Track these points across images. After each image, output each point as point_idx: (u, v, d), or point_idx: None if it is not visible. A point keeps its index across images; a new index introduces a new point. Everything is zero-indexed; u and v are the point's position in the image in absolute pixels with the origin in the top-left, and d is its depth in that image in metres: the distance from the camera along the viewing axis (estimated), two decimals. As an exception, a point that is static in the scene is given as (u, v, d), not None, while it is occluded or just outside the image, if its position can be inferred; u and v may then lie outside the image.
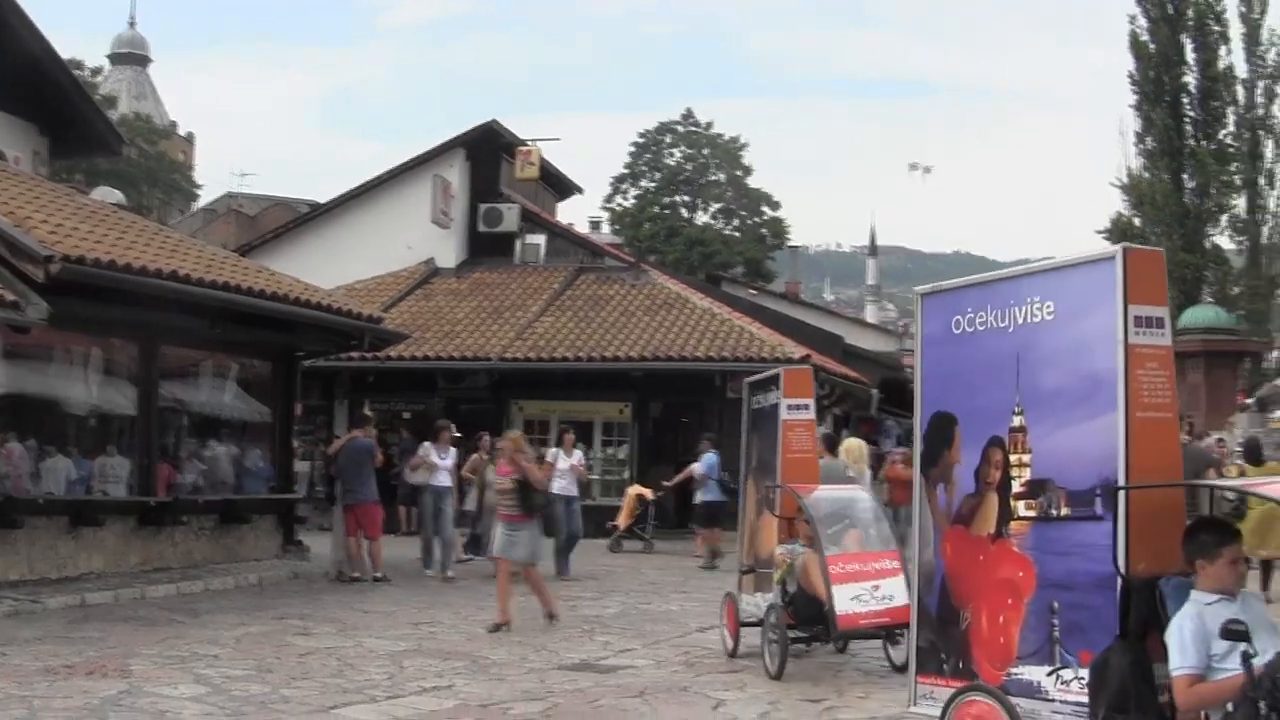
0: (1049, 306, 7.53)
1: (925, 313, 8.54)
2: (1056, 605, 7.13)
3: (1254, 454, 18.92)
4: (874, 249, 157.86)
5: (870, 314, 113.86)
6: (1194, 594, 6.38)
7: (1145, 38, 50.27)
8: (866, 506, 13.17)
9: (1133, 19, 50.62)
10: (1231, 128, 50.40)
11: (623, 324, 30.16)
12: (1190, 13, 50.31)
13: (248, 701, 10.34)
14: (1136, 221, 50.14)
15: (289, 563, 20.94)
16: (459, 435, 22.09)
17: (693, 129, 70.84)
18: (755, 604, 12.98)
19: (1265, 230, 49.80)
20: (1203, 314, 40.74)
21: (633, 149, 71.22)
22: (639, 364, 28.22)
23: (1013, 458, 7.59)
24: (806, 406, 13.49)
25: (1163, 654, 6.33)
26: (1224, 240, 50.50)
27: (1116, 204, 50.98)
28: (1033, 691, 7.19)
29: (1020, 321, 7.67)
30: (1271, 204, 49.81)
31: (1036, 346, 7.56)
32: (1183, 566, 6.55)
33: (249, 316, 19.35)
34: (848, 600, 11.53)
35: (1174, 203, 48.88)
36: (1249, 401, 38.25)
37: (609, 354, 28.43)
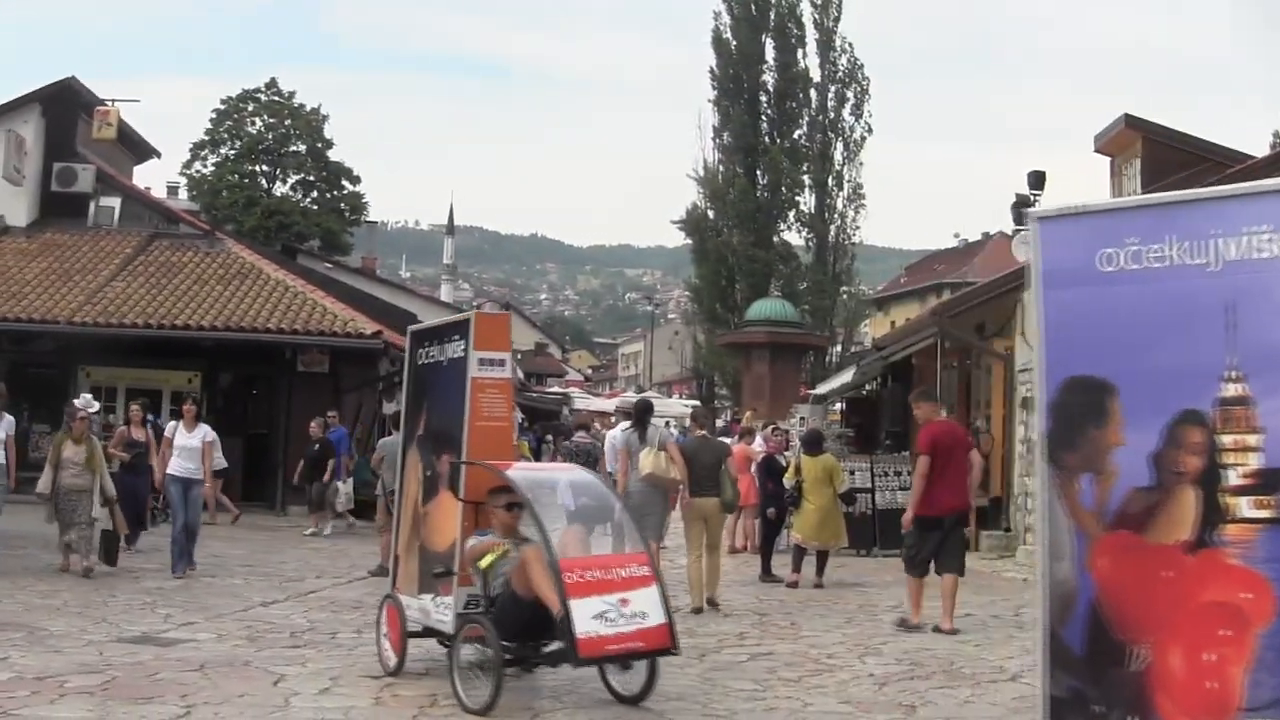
0: None
1: (1048, 241, 6.55)
2: None
3: (812, 444, 19.29)
4: (452, 228, 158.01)
5: (445, 293, 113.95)
6: None
7: (728, 35, 51.66)
8: (600, 493, 10.97)
9: (717, 16, 51.93)
10: (805, 129, 52.21)
11: (195, 292, 28.98)
12: (772, 15, 51.88)
13: None
14: (711, 214, 51.36)
15: None
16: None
17: (275, 98, 68.92)
18: (427, 609, 10.54)
19: (833, 229, 51.75)
20: (769, 307, 41.96)
21: (214, 115, 68.77)
22: (210, 333, 27.19)
23: (1225, 438, 5.78)
24: (503, 362, 10.68)
25: None
26: (794, 237, 52.31)
27: (694, 196, 52.06)
28: None
29: (1234, 257, 5.86)
30: (839, 204, 51.78)
31: (1265, 291, 5.76)
32: None
33: None
34: (589, 619, 8.99)
35: (747, 198, 50.35)
36: (811, 393, 39.65)
37: (180, 322, 27.28)
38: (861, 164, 52.14)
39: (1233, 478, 5.73)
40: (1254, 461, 5.69)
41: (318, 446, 24.63)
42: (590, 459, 19.16)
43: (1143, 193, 27.68)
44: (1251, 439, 5.69)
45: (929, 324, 28.01)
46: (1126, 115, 28.88)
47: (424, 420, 11.33)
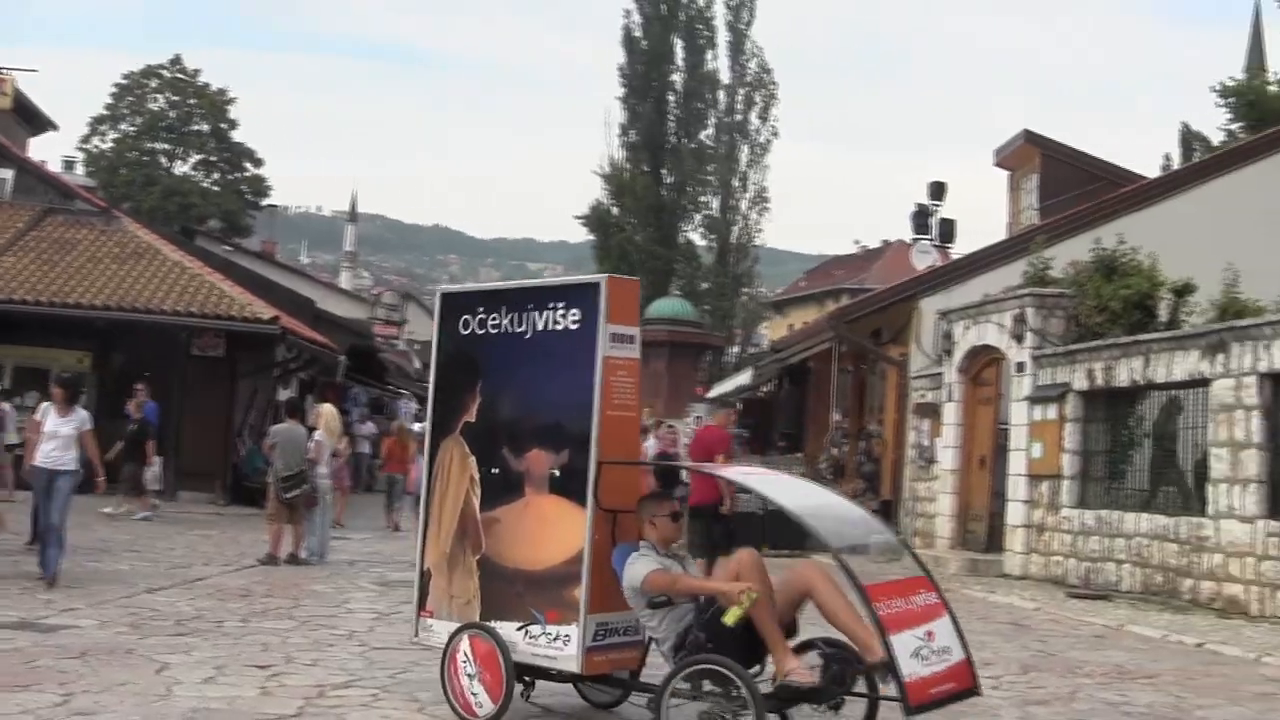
0: None
1: None
2: None
3: None
4: (354, 215, 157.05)
5: (345, 280, 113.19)
6: None
7: (638, 33, 51.68)
8: (846, 504, 9.35)
9: (628, 14, 51.98)
10: (712, 130, 52.41)
11: (89, 270, 28.61)
12: (683, 15, 52.03)
13: None
14: (615, 211, 51.43)
15: None
16: None
17: (180, 76, 68.18)
18: (513, 640, 8.61)
19: (735, 231, 51.99)
20: (669, 306, 42.15)
21: (115, 90, 67.90)
22: (103, 313, 26.86)
23: None
24: (634, 339, 8.84)
25: None
26: (697, 237, 52.49)
27: (598, 192, 52.13)
28: None
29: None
30: (743, 206, 52.02)
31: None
32: None
33: None
34: (908, 658, 7.38)
35: (652, 196, 50.43)
36: (707, 393, 39.85)
37: (72, 300, 26.92)
38: (766, 167, 52.57)
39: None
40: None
41: (135, 426, 23.60)
42: None
43: (1039, 207, 28.18)
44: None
45: (826, 328, 28.37)
46: (1026, 131, 29.36)
47: (479, 406, 9.20)
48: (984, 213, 45.35)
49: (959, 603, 17.13)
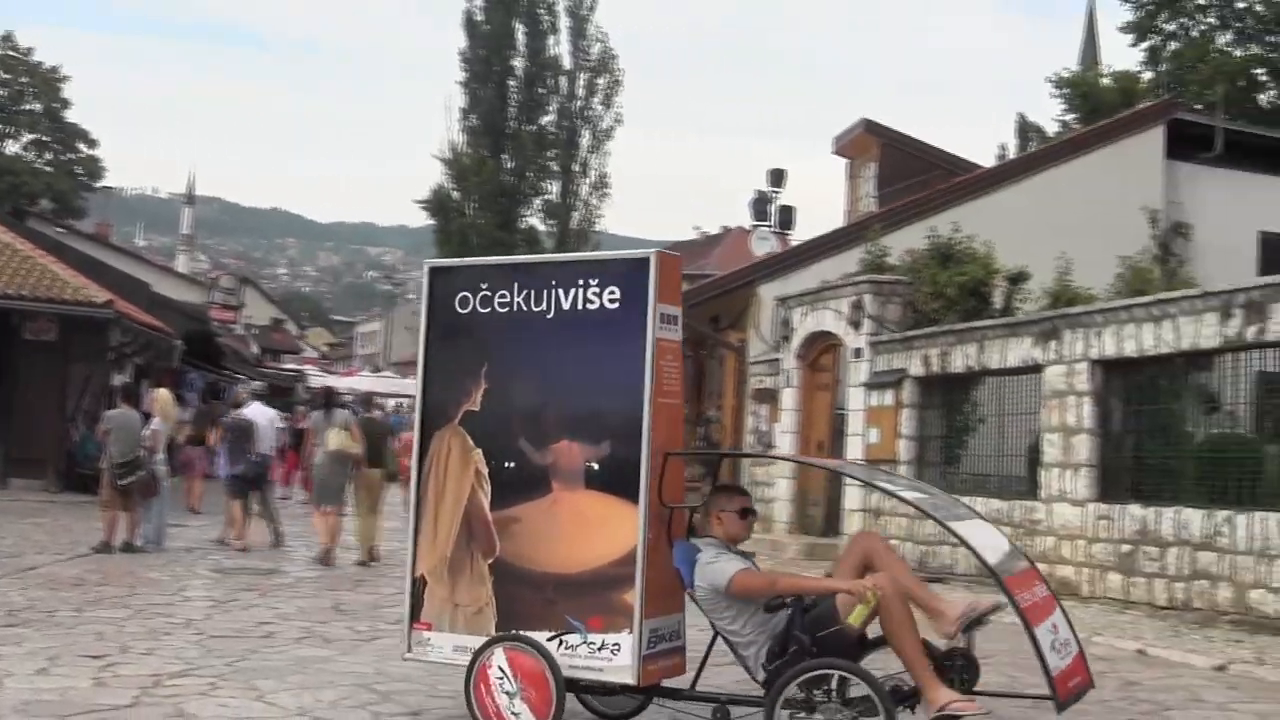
0: None
1: None
2: None
3: None
4: (191, 198, 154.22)
5: (182, 263, 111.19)
6: None
7: (480, 17, 51.29)
8: (935, 491, 9.25)
9: (470, -2, 51.55)
10: (554, 115, 52.22)
11: (-87, 250, 27.73)
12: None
13: None
14: (456, 195, 51.06)
15: None
16: None
17: (11, 53, 66.42)
18: (581, 651, 7.84)
19: (576, 216, 51.89)
20: (512, 291, 41.96)
21: (-59, 65, 66.01)
22: (-71, 296, 26.04)
23: None
24: (677, 320, 8.16)
25: None
26: (537, 222, 52.30)
27: (439, 176, 51.69)
28: None
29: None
30: (584, 191, 51.93)
31: None
32: None
33: None
34: (1049, 651, 7.05)
35: (492, 181, 50.13)
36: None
37: (-104, 281, 26.09)
38: (608, 153, 52.48)
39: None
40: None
41: None
42: (246, 434, 19.74)
43: (877, 195, 28.50)
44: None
45: (666, 314, 28.26)
46: (865, 120, 29.67)
47: (485, 393, 8.38)
48: (823, 200, 45.86)
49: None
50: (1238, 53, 46.07)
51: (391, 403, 55.58)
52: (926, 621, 7.41)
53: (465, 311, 8.47)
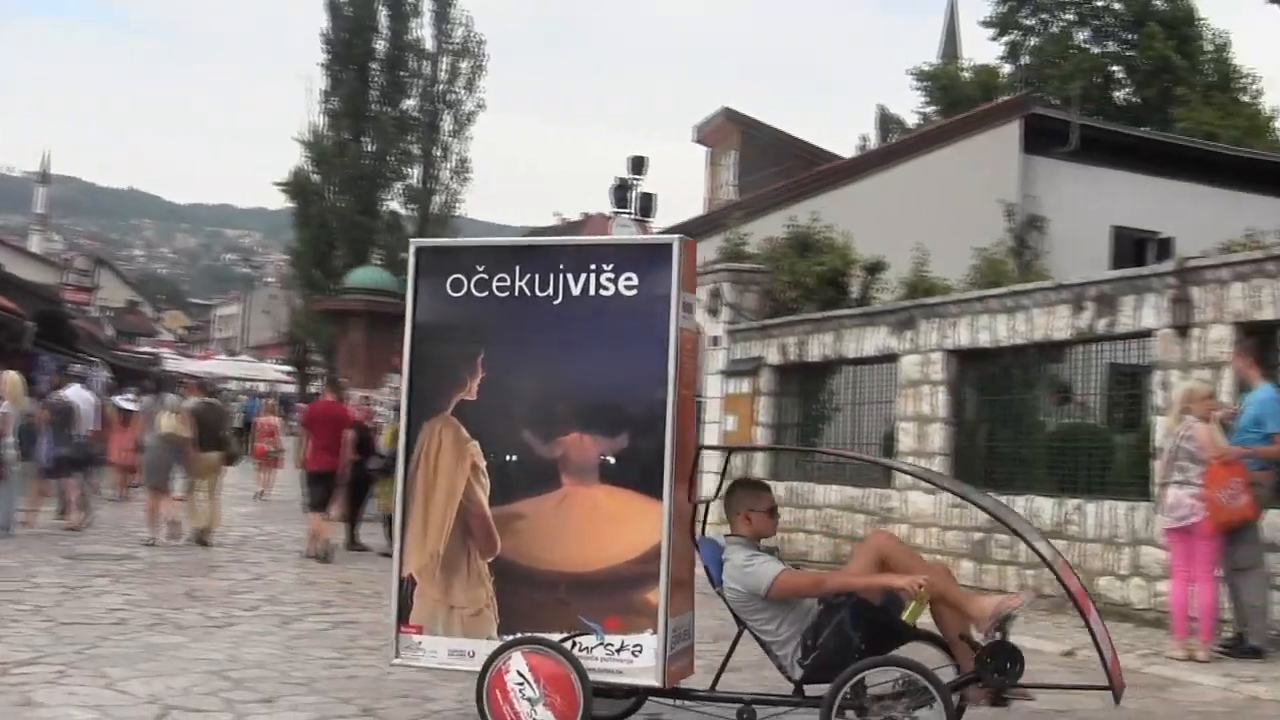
0: None
1: None
2: None
3: None
4: (46, 177, 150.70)
5: (35, 244, 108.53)
6: None
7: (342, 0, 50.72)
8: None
9: (331, -22, 50.91)
10: (415, 99, 51.76)
11: None
12: (385, -19, 51.27)
13: None
14: (316, 178, 50.49)
15: None
16: None
17: None
18: (598, 653, 7.58)
19: (437, 201, 51.51)
20: (369, 275, 41.49)
21: None
22: None
23: None
24: (693, 308, 8.16)
25: None
26: (398, 206, 51.83)
27: (299, 159, 51.03)
28: None
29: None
30: (445, 176, 51.54)
31: None
32: None
33: None
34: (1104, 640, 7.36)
35: (353, 164, 49.61)
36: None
37: None
38: (470, 138, 52.23)
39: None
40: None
41: None
42: (68, 417, 19.76)
43: (737, 183, 28.52)
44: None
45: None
46: (726, 108, 29.73)
47: (482, 382, 7.99)
48: (683, 188, 45.85)
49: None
50: (1095, 50, 46.86)
51: (247, 386, 54.87)
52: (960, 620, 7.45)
53: (459, 295, 8.04)
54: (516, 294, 7.89)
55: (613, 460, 7.61)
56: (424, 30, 52.00)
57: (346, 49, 50.63)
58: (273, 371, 62.88)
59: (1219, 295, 13.15)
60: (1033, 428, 15.90)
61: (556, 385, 7.83)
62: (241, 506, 18.50)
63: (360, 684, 9.37)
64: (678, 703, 7.80)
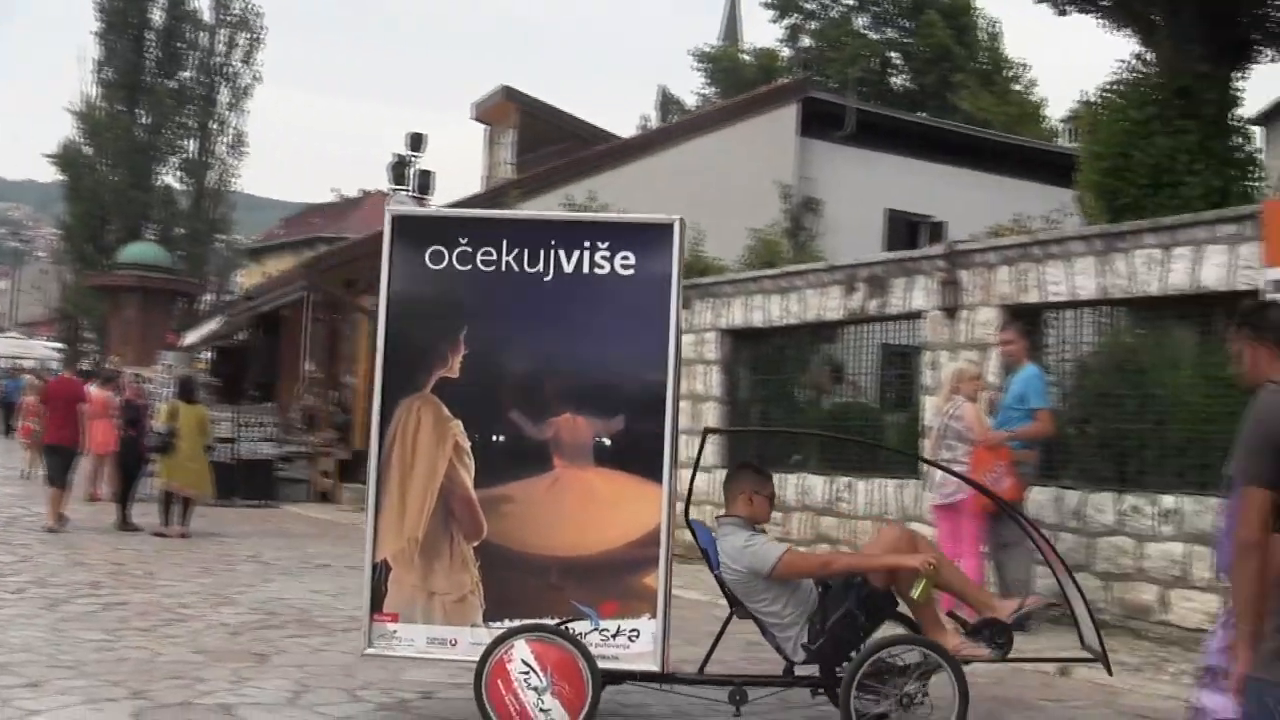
0: None
1: None
2: None
3: (187, 392, 19.46)
4: None
5: None
6: None
7: (118, -31, 49.41)
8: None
9: (105, -54, 49.56)
10: (192, 71, 50.67)
11: None
12: (157, -49, 50.12)
13: None
14: (88, 150, 49.18)
15: None
16: None
17: None
18: (592, 639, 7.40)
19: (211, 175, 50.53)
20: (141, 250, 40.62)
21: None
22: None
23: None
24: (681, 289, 7.96)
25: None
26: (173, 180, 50.71)
27: (70, 130, 49.64)
28: None
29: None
30: (221, 150, 50.61)
31: None
32: None
33: None
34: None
35: (127, 137, 48.43)
36: (180, 342, 38.51)
37: None
38: (247, 112, 51.30)
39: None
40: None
41: None
42: None
43: (515, 161, 28.38)
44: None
45: (298, 277, 27.98)
46: (505, 87, 29.53)
47: (465, 359, 7.67)
48: (462, 166, 45.55)
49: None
50: (875, 36, 47.64)
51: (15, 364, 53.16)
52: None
53: (439, 267, 7.72)
54: (503, 269, 7.66)
55: (608, 442, 7.49)
56: (201, 1, 50.89)
57: (121, 18, 49.38)
58: (42, 349, 60.95)
59: (987, 278, 13.42)
60: (805, 407, 16.07)
61: (547, 364, 7.64)
62: (8, 486, 17.86)
63: (130, 666, 9.08)
64: (664, 686, 7.65)
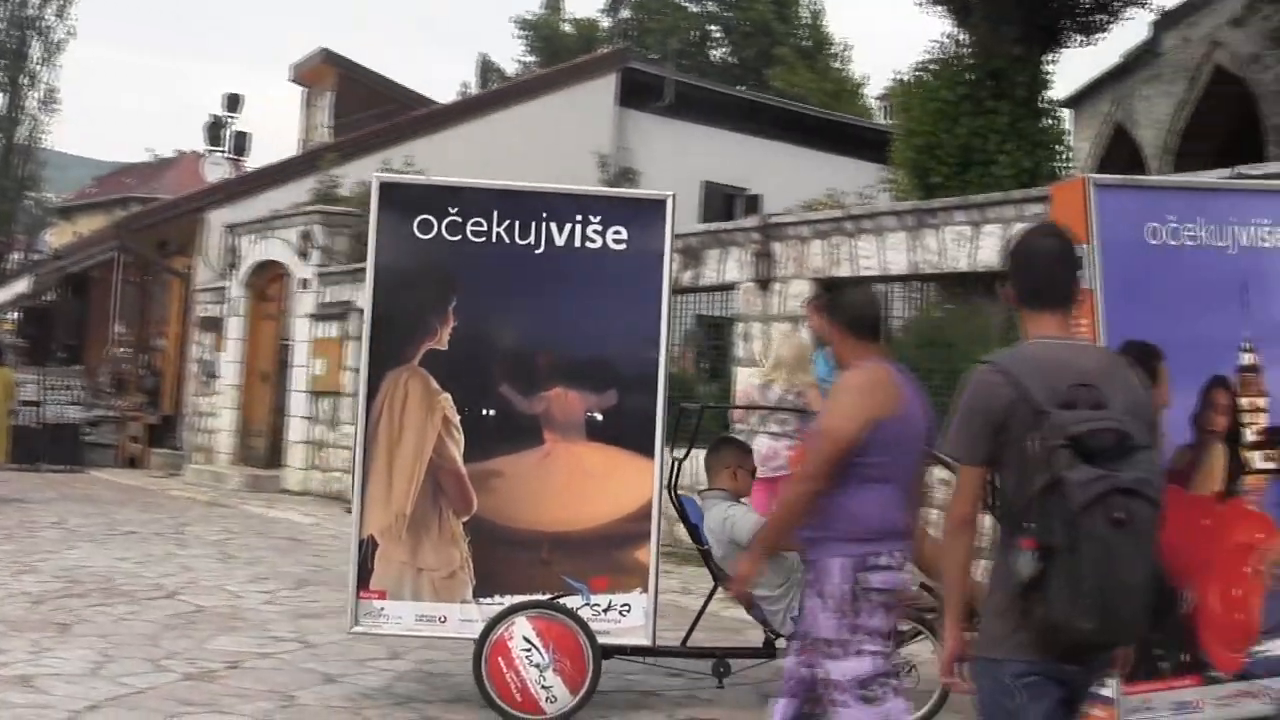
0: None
1: (1102, 207, 6.30)
2: None
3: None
4: None
5: None
6: None
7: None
8: None
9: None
10: (2, 24, 49.37)
11: None
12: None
13: None
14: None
15: None
16: None
17: None
18: (583, 614, 7.41)
19: (21, 131, 49.33)
20: (-52, 208, 39.55)
21: None
22: None
23: (1242, 401, 6.42)
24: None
25: None
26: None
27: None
28: None
29: (1246, 244, 6.49)
30: (31, 105, 49.42)
31: (1270, 275, 6.50)
32: None
33: None
34: None
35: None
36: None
37: None
38: (60, 67, 50.22)
39: (1249, 435, 6.41)
40: (1263, 421, 6.41)
41: None
42: None
43: (332, 125, 28.17)
44: (1261, 401, 6.41)
45: (110, 236, 27.56)
46: (324, 49, 29.30)
47: (454, 331, 7.60)
48: (280, 129, 45.03)
49: (239, 518, 17.06)
50: (695, 9, 47.93)
51: None
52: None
53: (428, 237, 7.60)
54: (494, 240, 7.58)
55: (600, 417, 7.50)
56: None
57: (-76, -34, 47.89)
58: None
59: (800, 251, 13.71)
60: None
61: (538, 338, 7.63)
62: None
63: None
64: (648, 660, 7.65)
